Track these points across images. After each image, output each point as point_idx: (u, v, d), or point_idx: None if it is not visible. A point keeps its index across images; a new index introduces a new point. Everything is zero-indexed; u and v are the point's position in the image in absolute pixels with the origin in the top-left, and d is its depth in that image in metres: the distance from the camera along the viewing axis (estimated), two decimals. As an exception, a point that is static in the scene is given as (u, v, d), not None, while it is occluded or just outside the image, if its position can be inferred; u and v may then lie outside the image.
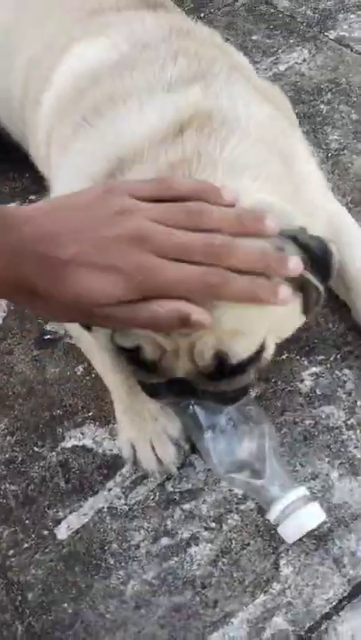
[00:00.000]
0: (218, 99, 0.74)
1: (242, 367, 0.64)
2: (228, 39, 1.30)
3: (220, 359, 0.62)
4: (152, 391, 0.69)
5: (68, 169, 0.78)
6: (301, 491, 0.69)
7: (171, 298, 0.57)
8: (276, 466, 0.70)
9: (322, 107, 1.16)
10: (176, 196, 0.60)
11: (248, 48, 1.29)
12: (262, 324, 0.64)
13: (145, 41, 0.80)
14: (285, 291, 0.59)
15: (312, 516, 0.68)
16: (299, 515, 0.67)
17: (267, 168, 0.70)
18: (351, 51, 1.25)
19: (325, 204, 0.84)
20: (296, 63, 1.25)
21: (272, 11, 1.37)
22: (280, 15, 1.35)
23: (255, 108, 0.77)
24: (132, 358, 0.65)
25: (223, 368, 0.63)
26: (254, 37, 1.31)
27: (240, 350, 0.63)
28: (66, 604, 0.71)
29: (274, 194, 0.67)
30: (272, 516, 0.69)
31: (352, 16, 1.32)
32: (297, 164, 0.77)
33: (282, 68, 1.24)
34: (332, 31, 1.30)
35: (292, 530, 0.68)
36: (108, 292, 0.55)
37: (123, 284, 0.55)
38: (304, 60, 1.25)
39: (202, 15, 1.37)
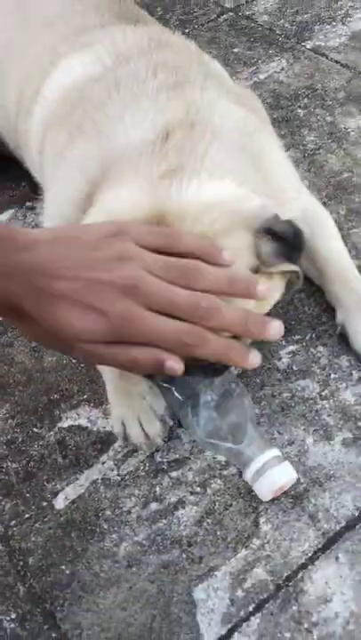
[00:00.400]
0: (196, 106, 0.80)
1: None
2: (210, 52, 1.38)
3: None
4: None
5: (64, 173, 0.84)
6: (274, 452, 0.75)
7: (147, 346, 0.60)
8: (253, 433, 0.76)
9: (299, 111, 1.23)
10: (180, 252, 0.63)
11: (230, 60, 1.37)
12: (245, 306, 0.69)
13: (126, 54, 0.88)
14: (254, 356, 0.65)
15: (284, 474, 0.74)
16: (272, 473, 0.73)
17: (242, 172, 0.76)
18: (327, 58, 1.32)
19: (300, 195, 0.91)
20: (275, 72, 1.32)
21: (252, 25, 1.45)
22: (260, 28, 1.44)
23: (229, 113, 0.83)
24: None
25: None
26: (236, 50, 1.39)
27: None
28: (63, 566, 0.76)
29: (250, 191, 0.74)
30: (248, 475, 0.75)
31: (327, 27, 1.40)
32: (266, 162, 0.84)
33: (262, 76, 1.32)
34: (308, 41, 1.38)
35: (265, 487, 0.74)
36: (88, 330, 0.59)
37: (104, 326, 0.59)
38: (282, 69, 1.33)
39: (187, 31, 1.46)
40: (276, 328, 0.65)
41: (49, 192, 0.87)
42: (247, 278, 0.66)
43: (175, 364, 0.60)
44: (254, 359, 0.65)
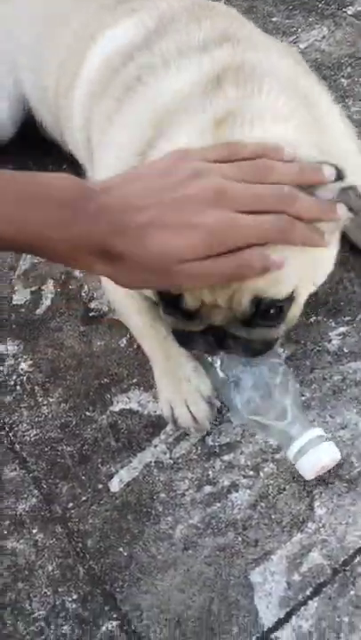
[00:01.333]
0: (244, 52, 0.79)
1: (275, 312, 0.69)
2: (249, 22, 1.35)
3: (256, 303, 0.67)
4: (184, 340, 0.74)
5: (114, 137, 0.83)
6: (317, 431, 0.75)
7: (245, 247, 0.62)
8: (296, 411, 0.75)
9: (343, 80, 1.20)
10: (243, 158, 0.65)
11: (269, 29, 1.33)
12: (295, 272, 0.68)
13: (169, 15, 0.86)
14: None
15: (326, 453, 0.74)
16: (314, 452, 0.73)
17: (298, 115, 0.74)
18: (369, 24, 1.28)
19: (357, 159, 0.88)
20: (316, 40, 1.29)
21: (291, -9, 1.41)
22: (299, -5, 1.39)
23: (277, 59, 0.82)
24: (171, 307, 0.70)
25: (258, 312, 0.67)
26: (274, 19, 1.36)
27: (274, 294, 0.67)
28: (121, 549, 0.78)
29: (307, 142, 0.72)
30: (290, 454, 0.75)
31: (370, -10, 1.35)
32: (321, 110, 0.81)
33: (302, 46, 1.28)
34: (350, 7, 1.33)
35: (308, 465, 0.74)
36: (186, 247, 0.60)
37: (201, 239, 0.60)
38: (324, 37, 1.29)
39: (223, 1, 1.42)
40: (341, 208, 0.66)
41: (97, 159, 0.86)
42: (314, 165, 0.66)
43: (279, 258, 0.63)
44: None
